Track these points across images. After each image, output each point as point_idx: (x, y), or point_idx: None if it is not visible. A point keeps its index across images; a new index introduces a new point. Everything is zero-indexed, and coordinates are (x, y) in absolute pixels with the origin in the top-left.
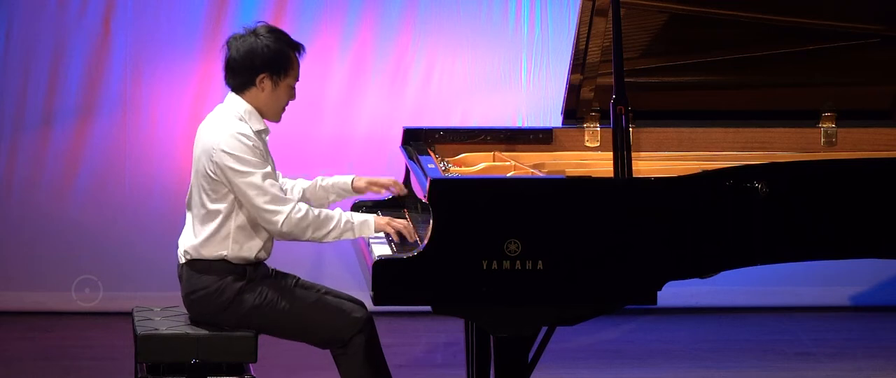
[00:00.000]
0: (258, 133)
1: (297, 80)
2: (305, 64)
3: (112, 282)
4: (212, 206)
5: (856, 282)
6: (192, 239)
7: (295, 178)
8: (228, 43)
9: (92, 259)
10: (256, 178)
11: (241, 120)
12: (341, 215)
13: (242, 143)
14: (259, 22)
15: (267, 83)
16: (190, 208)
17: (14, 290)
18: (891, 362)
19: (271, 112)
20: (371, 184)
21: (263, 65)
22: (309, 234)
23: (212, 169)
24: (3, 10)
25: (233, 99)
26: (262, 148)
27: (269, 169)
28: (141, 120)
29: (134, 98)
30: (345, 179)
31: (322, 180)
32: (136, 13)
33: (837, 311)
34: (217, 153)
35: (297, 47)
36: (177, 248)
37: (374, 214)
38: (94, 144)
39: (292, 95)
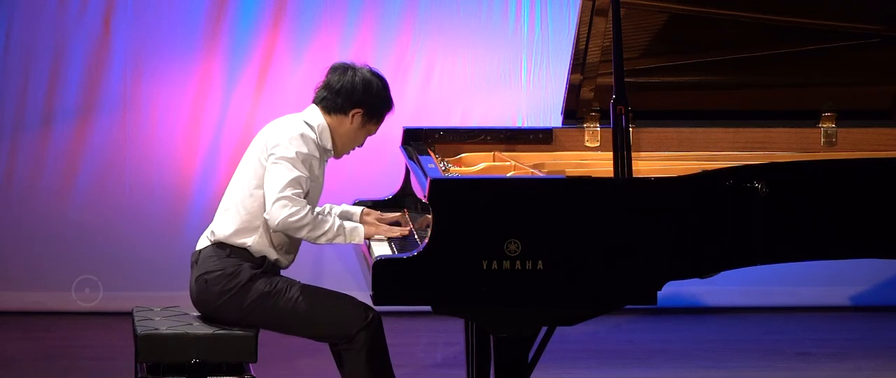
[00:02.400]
0: (322, 148)
1: (374, 134)
2: (305, 64)
3: (112, 282)
4: (254, 193)
5: (856, 282)
6: (222, 222)
7: None
8: (340, 67)
9: (92, 259)
10: (289, 174)
11: (311, 128)
12: (335, 220)
13: (303, 142)
14: (374, 68)
15: (357, 119)
16: (229, 196)
17: (14, 290)
18: (891, 362)
19: (339, 144)
20: (380, 220)
21: (367, 102)
22: (303, 233)
23: (264, 155)
24: (3, 10)
25: (315, 112)
26: (318, 159)
27: (306, 175)
28: (141, 119)
29: (134, 98)
30: (354, 211)
31: (331, 208)
32: (136, 13)
33: (837, 311)
34: (277, 137)
35: (392, 108)
36: (184, 242)
37: (365, 218)
38: (94, 144)
39: (361, 144)
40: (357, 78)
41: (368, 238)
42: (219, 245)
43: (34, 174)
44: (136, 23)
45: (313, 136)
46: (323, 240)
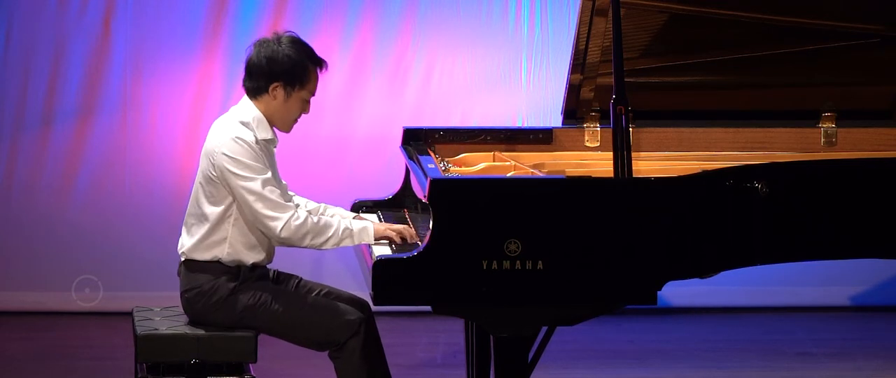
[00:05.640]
0: (264, 142)
1: (313, 95)
2: None
3: (112, 282)
4: (209, 209)
5: (856, 282)
6: (188, 240)
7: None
8: (253, 46)
9: (92, 259)
10: (256, 184)
11: (245, 126)
12: (340, 222)
13: (242, 147)
14: (288, 31)
15: (279, 92)
16: (190, 211)
17: (14, 290)
18: (891, 362)
19: (281, 122)
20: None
21: (280, 74)
22: (307, 241)
23: (214, 173)
24: (3, 10)
25: (245, 104)
26: (264, 155)
27: (269, 175)
28: (141, 120)
29: (134, 98)
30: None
31: (328, 210)
32: (136, 13)
33: (837, 311)
34: (217, 156)
35: (320, 63)
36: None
37: (374, 218)
38: (94, 144)
39: (306, 109)
40: (262, 55)
41: (379, 238)
42: (189, 263)
43: (34, 174)
44: (136, 23)
45: (249, 135)
46: (329, 245)
